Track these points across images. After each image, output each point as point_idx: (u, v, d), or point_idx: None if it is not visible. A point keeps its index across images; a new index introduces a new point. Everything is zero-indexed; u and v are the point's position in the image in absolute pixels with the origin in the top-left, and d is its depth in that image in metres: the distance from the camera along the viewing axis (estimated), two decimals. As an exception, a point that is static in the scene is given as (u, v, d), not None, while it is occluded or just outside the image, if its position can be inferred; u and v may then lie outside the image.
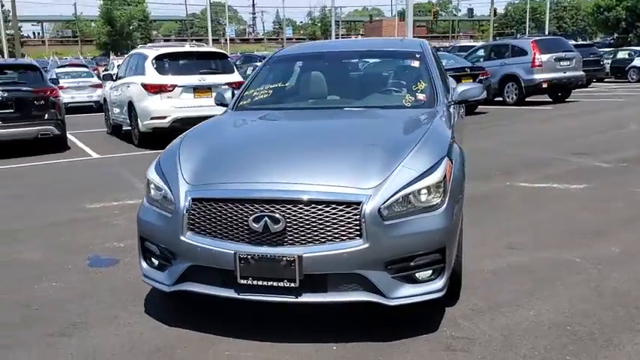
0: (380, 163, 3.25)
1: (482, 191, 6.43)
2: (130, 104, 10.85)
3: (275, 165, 3.34)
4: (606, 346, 3.07)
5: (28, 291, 4.08)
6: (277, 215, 3.05)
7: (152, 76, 10.32)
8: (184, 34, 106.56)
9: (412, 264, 3.14)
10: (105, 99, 13.45)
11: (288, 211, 3.05)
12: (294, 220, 3.05)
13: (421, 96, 4.46)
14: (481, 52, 17.71)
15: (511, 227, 5.14)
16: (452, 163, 3.43)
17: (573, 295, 3.72)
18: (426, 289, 3.18)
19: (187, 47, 11.44)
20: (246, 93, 4.83)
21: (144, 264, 3.53)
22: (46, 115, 10.38)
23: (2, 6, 73.89)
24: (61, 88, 20.00)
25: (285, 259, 3.02)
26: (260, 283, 3.10)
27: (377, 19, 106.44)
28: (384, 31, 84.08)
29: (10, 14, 75.84)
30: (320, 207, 3.05)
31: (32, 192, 7.43)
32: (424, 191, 3.17)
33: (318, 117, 4.39)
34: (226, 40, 73.60)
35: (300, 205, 3.05)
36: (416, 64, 4.73)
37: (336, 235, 3.05)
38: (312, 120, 4.33)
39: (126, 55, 14.78)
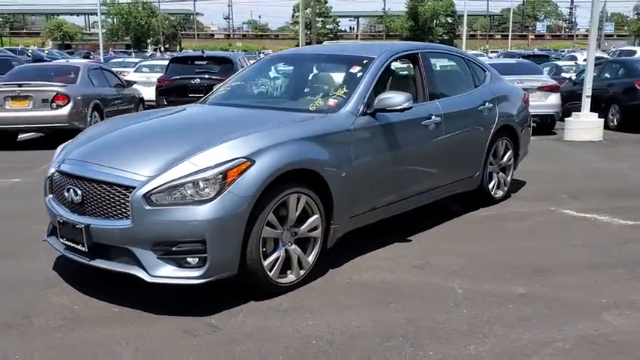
0: (174, 155, 3.63)
1: (513, 212, 5.88)
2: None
3: (104, 149, 4.00)
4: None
5: (22, 231, 5.38)
6: (77, 189, 3.71)
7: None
8: (495, 29, 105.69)
9: (175, 249, 3.50)
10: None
11: (85, 186, 3.69)
12: (89, 195, 3.68)
13: (332, 102, 4.52)
14: None
15: (464, 250, 4.76)
16: (251, 164, 3.59)
17: (380, 318, 3.55)
18: (186, 274, 3.52)
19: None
20: (220, 88, 5.43)
21: (50, 219, 4.49)
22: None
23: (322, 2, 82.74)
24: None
25: (77, 226, 3.67)
26: (71, 244, 3.80)
27: None
28: None
29: (329, 11, 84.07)
30: (106, 187, 3.61)
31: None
32: (190, 185, 3.47)
33: (210, 113, 4.80)
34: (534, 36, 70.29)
35: (93, 183, 3.66)
36: (355, 69, 4.74)
37: (116, 213, 3.59)
38: (196, 115, 4.78)
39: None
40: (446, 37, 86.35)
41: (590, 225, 5.49)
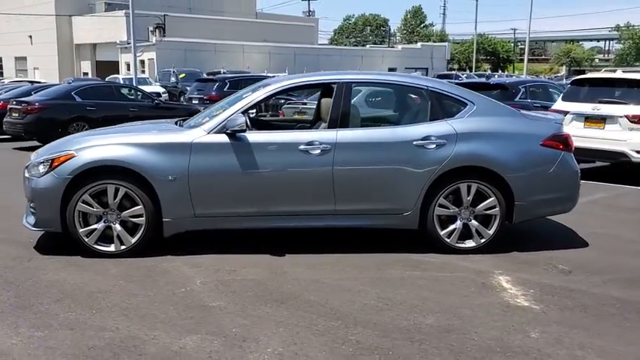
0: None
1: (442, 263, 5.12)
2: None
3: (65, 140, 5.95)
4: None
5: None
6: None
7: (557, 102, 10.25)
8: None
9: (32, 205, 5.33)
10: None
11: None
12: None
13: (205, 119, 5.44)
14: None
15: (285, 274, 4.88)
16: (74, 156, 5.06)
17: (99, 284, 4.56)
18: (32, 222, 5.27)
19: (619, 73, 9.96)
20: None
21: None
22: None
23: None
24: None
25: (28, 183, 5.86)
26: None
27: None
28: None
29: None
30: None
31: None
32: (39, 165, 5.21)
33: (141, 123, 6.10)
34: None
35: None
36: (247, 94, 5.39)
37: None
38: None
39: None
40: None
41: (478, 295, 4.45)
